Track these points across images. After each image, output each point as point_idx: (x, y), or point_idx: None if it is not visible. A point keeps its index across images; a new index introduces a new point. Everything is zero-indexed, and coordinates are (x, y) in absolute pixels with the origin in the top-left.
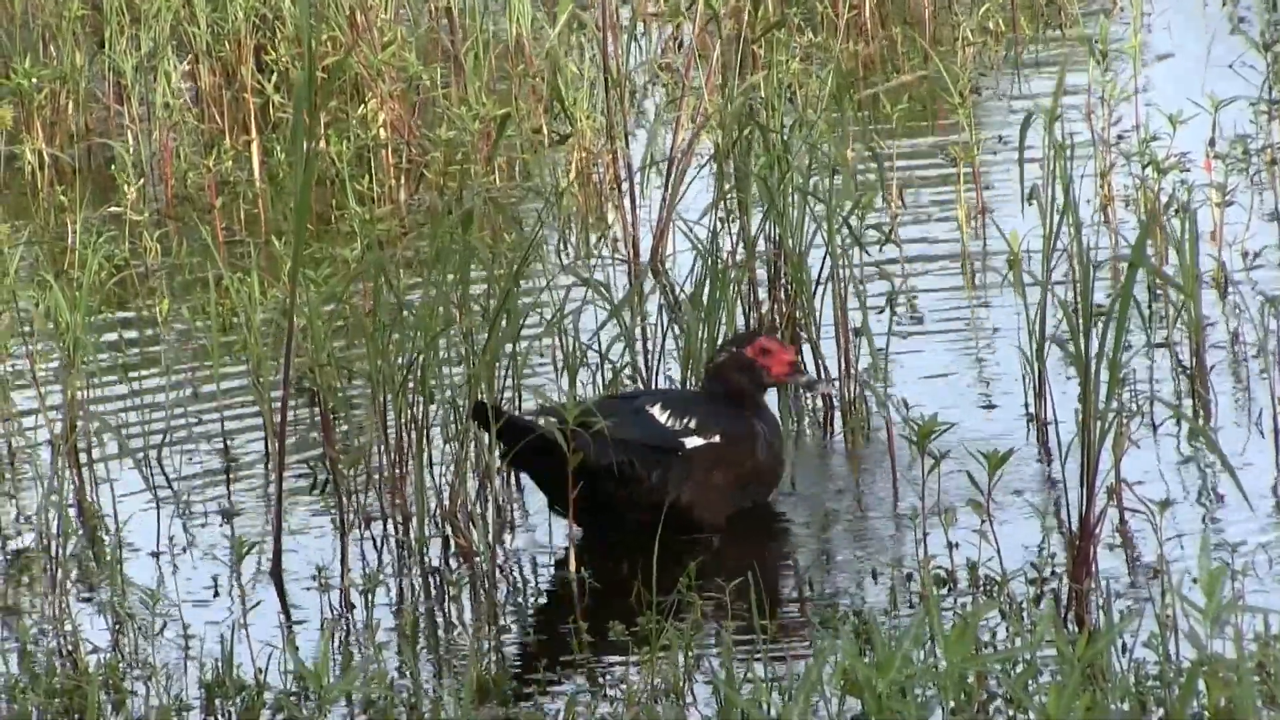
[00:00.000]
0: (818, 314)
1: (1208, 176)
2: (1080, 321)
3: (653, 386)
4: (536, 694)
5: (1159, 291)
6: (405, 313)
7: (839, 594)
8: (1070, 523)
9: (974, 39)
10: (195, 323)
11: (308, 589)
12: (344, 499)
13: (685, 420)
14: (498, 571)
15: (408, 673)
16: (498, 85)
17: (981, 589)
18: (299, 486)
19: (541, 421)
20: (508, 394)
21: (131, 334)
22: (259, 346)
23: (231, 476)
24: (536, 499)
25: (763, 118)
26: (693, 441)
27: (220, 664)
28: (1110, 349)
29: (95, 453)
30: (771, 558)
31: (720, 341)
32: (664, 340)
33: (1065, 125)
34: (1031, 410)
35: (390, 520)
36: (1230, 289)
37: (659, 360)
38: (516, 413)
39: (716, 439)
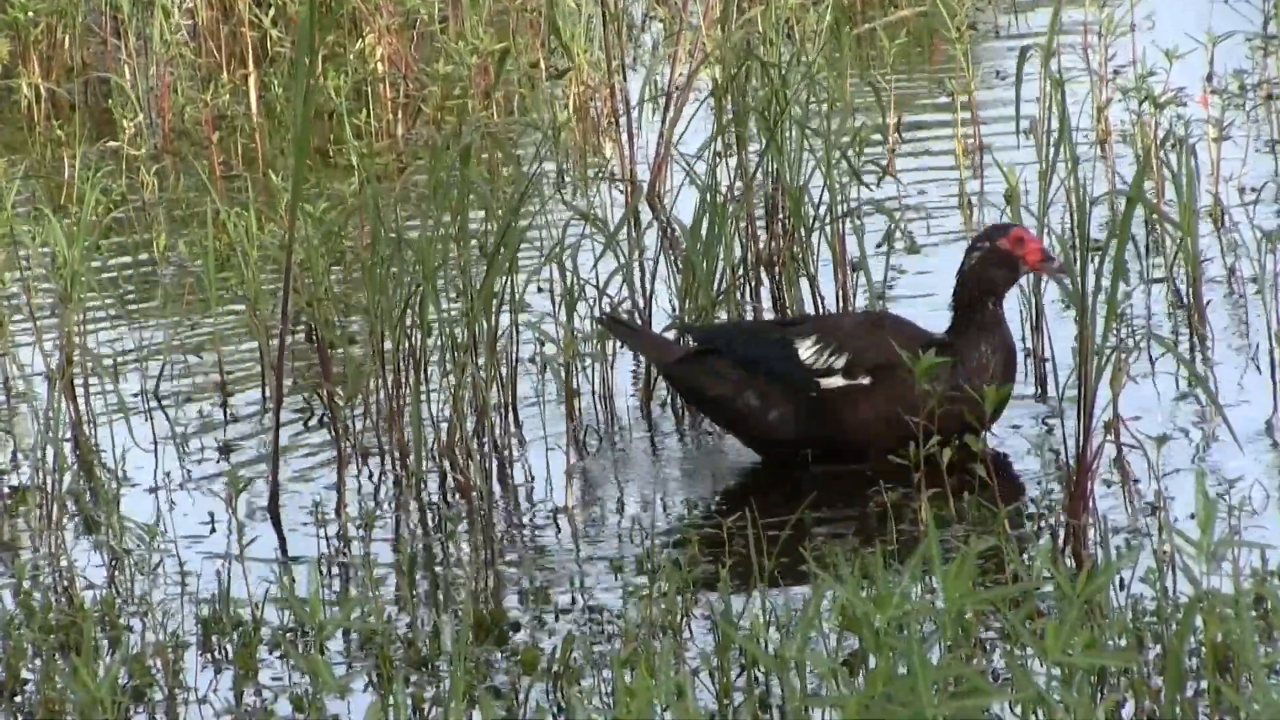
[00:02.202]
0: (816, 248)
1: (1205, 111)
2: (1078, 256)
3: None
4: (534, 629)
5: (1155, 226)
6: (403, 247)
7: (837, 529)
8: (1068, 458)
9: None
10: (193, 258)
11: (305, 524)
12: (341, 434)
13: (832, 358)
14: (495, 507)
15: (405, 608)
16: (496, 20)
17: (978, 525)
18: (296, 421)
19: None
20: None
21: (129, 268)
22: (256, 281)
23: (228, 411)
24: (534, 434)
25: (760, 52)
26: (831, 383)
27: (217, 600)
28: (1108, 284)
29: (92, 387)
30: (769, 493)
31: (970, 243)
32: (653, 274)
33: (1062, 60)
34: (1029, 345)
35: (388, 456)
36: (1227, 223)
37: (653, 293)
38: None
39: (865, 380)
